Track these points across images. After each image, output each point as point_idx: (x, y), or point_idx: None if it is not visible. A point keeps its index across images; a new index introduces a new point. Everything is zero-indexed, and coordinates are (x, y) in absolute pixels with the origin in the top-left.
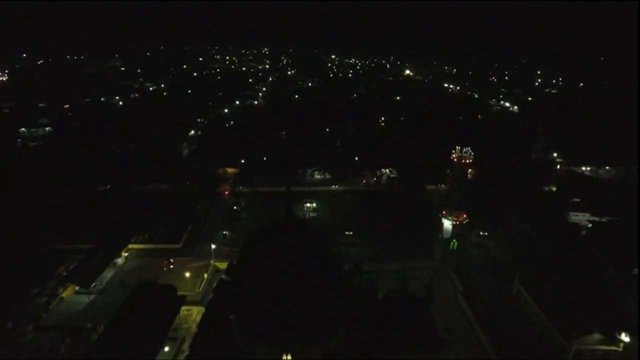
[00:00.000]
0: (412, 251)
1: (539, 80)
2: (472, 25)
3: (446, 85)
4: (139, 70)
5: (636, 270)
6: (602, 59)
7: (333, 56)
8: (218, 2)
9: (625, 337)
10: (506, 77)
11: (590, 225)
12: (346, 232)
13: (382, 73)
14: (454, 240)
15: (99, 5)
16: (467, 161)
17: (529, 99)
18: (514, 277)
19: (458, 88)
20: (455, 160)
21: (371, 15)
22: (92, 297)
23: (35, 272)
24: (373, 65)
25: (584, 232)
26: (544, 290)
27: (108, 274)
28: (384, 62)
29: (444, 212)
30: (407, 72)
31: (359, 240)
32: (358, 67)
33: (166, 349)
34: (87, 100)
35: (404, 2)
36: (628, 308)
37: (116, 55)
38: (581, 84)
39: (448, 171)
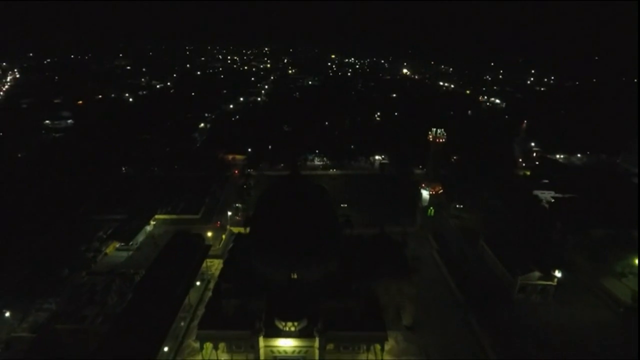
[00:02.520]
0: (397, 220)
1: (532, 78)
2: (470, 26)
3: (441, 83)
4: (144, 69)
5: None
6: (596, 58)
7: (333, 55)
8: (219, 2)
9: (557, 274)
10: (500, 76)
11: (553, 200)
12: (341, 205)
13: (380, 72)
14: (431, 208)
15: (100, 6)
16: (441, 140)
17: (518, 96)
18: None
19: (452, 86)
20: (431, 139)
21: (371, 15)
22: (130, 252)
23: (80, 236)
24: (372, 64)
25: (546, 205)
26: (502, 245)
27: (141, 237)
28: (382, 61)
29: (422, 184)
30: (405, 71)
31: (352, 212)
32: (357, 67)
33: (198, 283)
34: (99, 96)
35: (404, 2)
36: (566, 256)
37: (120, 55)
38: (569, 83)
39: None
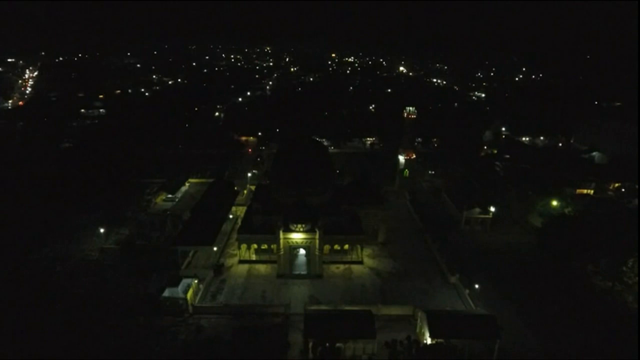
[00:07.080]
0: (380, 182)
1: (520, 76)
2: (468, 26)
3: (434, 80)
4: (153, 67)
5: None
6: (588, 57)
7: (333, 54)
8: (220, 2)
9: (492, 209)
10: (492, 73)
11: (505, 168)
12: (337, 172)
13: (378, 69)
14: (406, 170)
15: (99, 6)
16: (412, 116)
17: (502, 91)
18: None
19: (444, 82)
20: (405, 115)
21: (371, 15)
22: (174, 202)
23: (132, 192)
24: (370, 62)
25: (501, 172)
26: (458, 194)
27: (180, 193)
28: (381, 60)
29: (400, 150)
30: (402, 68)
31: (345, 175)
32: (356, 65)
33: (230, 216)
34: (118, 91)
35: (404, 2)
36: (505, 202)
37: (129, 54)
38: (553, 80)
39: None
